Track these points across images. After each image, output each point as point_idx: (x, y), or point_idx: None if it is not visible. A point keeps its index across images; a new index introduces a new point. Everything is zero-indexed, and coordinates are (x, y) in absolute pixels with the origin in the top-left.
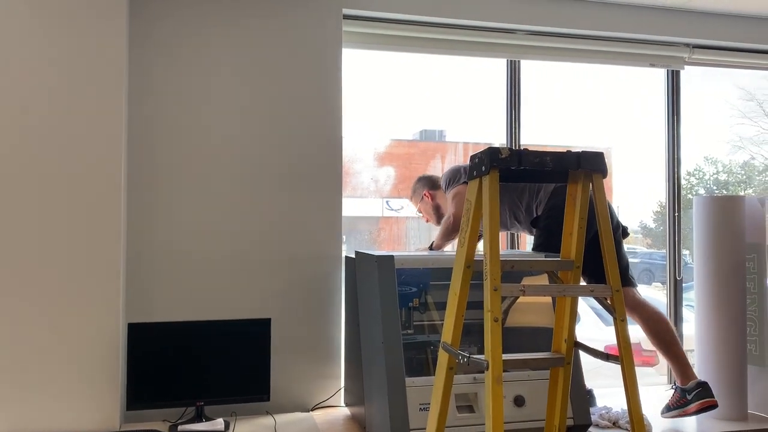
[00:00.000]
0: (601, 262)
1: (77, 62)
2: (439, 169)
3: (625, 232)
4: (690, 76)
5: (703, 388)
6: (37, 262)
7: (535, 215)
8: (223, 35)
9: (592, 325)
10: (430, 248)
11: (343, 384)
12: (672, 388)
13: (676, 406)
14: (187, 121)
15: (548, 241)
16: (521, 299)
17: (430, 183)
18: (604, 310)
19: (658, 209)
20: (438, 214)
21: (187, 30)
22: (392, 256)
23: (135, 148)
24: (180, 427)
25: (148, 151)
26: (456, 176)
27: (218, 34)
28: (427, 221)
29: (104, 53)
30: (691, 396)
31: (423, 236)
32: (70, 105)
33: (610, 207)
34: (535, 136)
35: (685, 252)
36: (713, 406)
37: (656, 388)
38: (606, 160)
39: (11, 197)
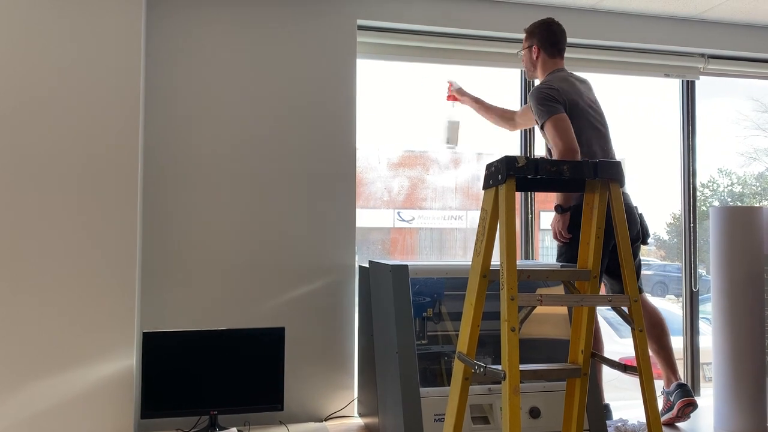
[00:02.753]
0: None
1: (93, 62)
2: (453, 177)
3: (644, 240)
4: (703, 87)
5: (683, 389)
6: (52, 271)
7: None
8: (238, 46)
9: (607, 338)
10: (558, 209)
11: (356, 394)
12: (661, 394)
13: (665, 411)
14: (203, 130)
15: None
16: (537, 311)
17: (543, 40)
18: (618, 322)
19: (672, 221)
20: (533, 69)
21: (202, 39)
22: (406, 265)
23: (150, 157)
24: None
25: (162, 160)
26: (546, 98)
27: (234, 45)
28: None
29: (120, 54)
30: (672, 397)
31: (435, 247)
32: (86, 104)
33: (640, 217)
34: None
35: (701, 271)
36: (692, 404)
37: None
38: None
39: (24, 204)
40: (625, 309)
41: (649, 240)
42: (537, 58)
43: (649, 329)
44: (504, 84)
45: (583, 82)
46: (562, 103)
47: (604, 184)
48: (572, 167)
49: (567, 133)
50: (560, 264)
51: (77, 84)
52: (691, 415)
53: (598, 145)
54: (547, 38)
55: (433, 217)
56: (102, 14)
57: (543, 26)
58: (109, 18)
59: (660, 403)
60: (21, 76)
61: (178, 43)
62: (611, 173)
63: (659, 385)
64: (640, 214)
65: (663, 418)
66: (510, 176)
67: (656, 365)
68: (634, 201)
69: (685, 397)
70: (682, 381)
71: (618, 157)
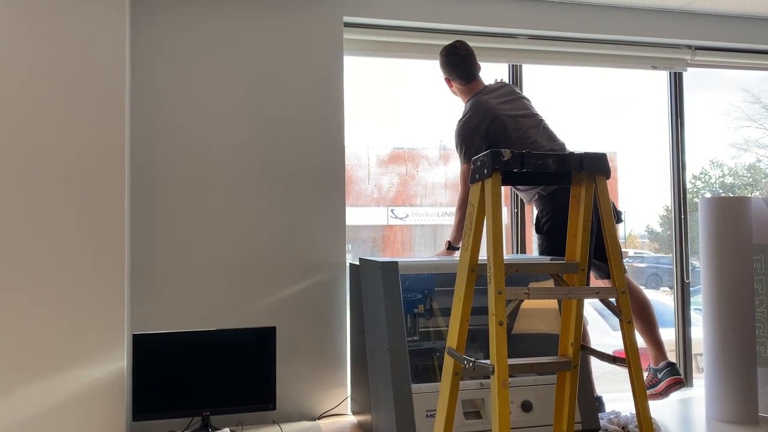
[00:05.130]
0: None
1: (78, 63)
2: (441, 173)
3: (618, 218)
4: (693, 80)
5: (672, 368)
6: (41, 273)
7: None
8: (223, 44)
9: (601, 331)
10: (449, 247)
11: (349, 392)
12: (646, 370)
13: (648, 386)
14: (190, 130)
15: (553, 245)
16: (529, 306)
17: (450, 73)
18: (611, 313)
19: (665, 213)
20: (455, 94)
21: (188, 38)
22: (396, 262)
23: (137, 157)
24: None
25: (150, 160)
26: (464, 140)
27: (219, 43)
28: None
29: (105, 55)
30: (661, 375)
31: (428, 243)
32: (71, 105)
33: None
34: None
35: (693, 262)
36: (680, 383)
37: None
38: (611, 164)
39: (12, 206)
40: (613, 300)
41: (638, 230)
42: (452, 87)
43: (635, 310)
44: (491, 79)
45: (499, 91)
46: (480, 136)
47: (590, 176)
48: (558, 160)
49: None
50: (549, 258)
51: (62, 85)
52: (678, 396)
53: (527, 149)
54: (452, 71)
55: (426, 213)
56: (86, 14)
57: (445, 61)
58: (93, 17)
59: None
60: (3, 76)
61: (163, 42)
62: (597, 165)
63: None
64: None
65: (649, 392)
66: (496, 170)
67: (644, 350)
68: (628, 193)
69: (674, 376)
70: (671, 360)
71: (609, 150)
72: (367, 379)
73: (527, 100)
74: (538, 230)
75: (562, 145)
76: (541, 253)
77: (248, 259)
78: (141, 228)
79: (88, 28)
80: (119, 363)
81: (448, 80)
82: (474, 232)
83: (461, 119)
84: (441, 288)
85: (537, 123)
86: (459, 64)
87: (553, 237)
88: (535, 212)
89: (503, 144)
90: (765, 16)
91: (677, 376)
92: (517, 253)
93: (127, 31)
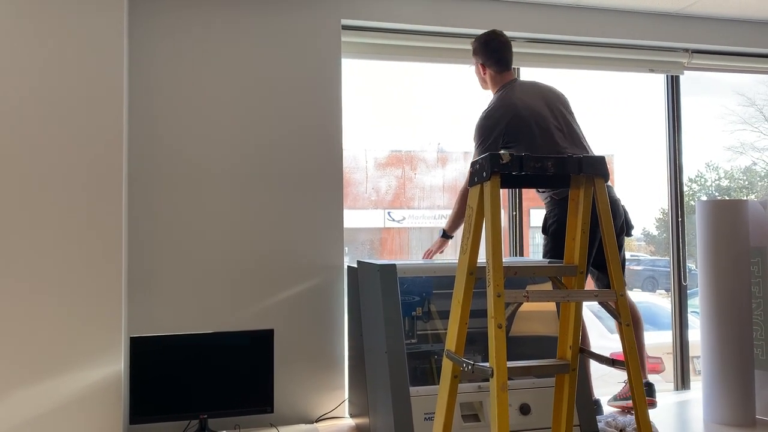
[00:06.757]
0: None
1: (76, 65)
2: (439, 176)
3: (628, 232)
4: (690, 84)
5: (649, 388)
6: (38, 277)
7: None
8: (221, 47)
9: (598, 335)
10: (443, 235)
11: (347, 395)
12: (624, 382)
13: (624, 398)
14: (188, 132)
15: (558, 246)
16: (528, 307)
17: (487, 58)
18: (608, 316)
19: (661, 216)
20: (484, 84)
21: (186, 40)
22: (394, 264)
23: (134, 160)
24: None
25: (147, 162)
26: (485, 135)
27: (217, 46)
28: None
29: (103, 57)
30: None
31: (425, 246)
32: (69, 107)
33: (623, 209)
34: None
35: (690, 264)
36: (652, 404)
37: (662, 394)
38: (608, 166)
39: (8, 209)
40: (612, 304)
41: (634, 232)
42: (485, 74)
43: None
44: None
45: (530, 90)
46: (498, 131)
47: (589, 179)
48: (557, 163)
49: None
50: (547, 260)
51: (59, 87)
52: (676, 399)
53: (546, 151)
54: (490, 56)
55: (423, 216)
56: (84, 16)
57: (484, 45)
58: (91, 19)
59: (621, 388)
60: (1, 78)
61: (161, 44)
62: (596, 168)
63: (655, 378)
64: (623, 206)
65: (619, 402)
66: (494, 173)
67: (648, 360)
68: (623, 196)
69: (648, 397)
70: (649, 381)
71: (606, 153)
72: (365, 382)
73: (559, 99)
74: (544, 231)
75: (585, 148)
76: (546, 254)
77: (246, 262)
78: (138, 231)
79: (87, 29)
80: (116, 366)
81: (482, 66)
82: (473, 235)
83: (485, 110)
84: (439, 291)
85: (563, 124)
86: (499, 49)
87: (558, 239)
88: (544, 214)
89: (523, 142)
90: (761, 19)
91: (650, 398)
92: (515, 255)
93: (125, 33)
